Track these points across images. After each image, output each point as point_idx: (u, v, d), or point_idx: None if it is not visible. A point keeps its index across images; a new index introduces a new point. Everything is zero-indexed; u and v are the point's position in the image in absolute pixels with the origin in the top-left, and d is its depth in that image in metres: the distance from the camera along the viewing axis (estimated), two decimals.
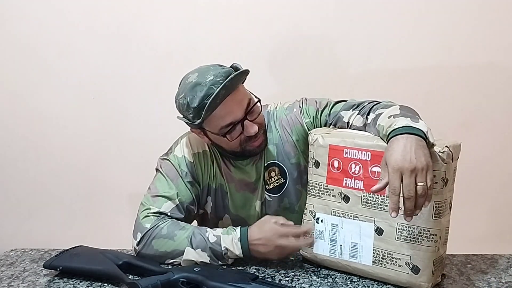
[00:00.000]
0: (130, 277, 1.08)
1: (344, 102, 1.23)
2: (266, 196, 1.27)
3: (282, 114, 1.28)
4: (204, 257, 1.12)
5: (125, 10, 1.85)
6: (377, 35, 1.84)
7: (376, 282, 1.07)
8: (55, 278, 1.12)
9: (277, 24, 1.84)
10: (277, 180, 1.26)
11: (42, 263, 1.15)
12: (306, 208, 1.16)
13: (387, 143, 0.99)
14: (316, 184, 1.13)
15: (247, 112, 1.16)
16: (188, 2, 1.84)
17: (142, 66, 1.89)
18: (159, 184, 1.22)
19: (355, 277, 1.10)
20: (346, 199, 1.08)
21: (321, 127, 1.23)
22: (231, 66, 1.17)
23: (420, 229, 1.01)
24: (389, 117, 1.05)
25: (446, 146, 0.98)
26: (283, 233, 1.12)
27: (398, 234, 1.03)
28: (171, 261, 1.15)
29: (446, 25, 1.82)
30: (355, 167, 1.07)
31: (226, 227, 1.17)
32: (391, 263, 1.04)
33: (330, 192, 1.10)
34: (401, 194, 0.92)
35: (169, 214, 1.19)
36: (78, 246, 1.21)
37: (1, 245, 1.46)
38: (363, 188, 1.06)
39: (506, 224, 1.99)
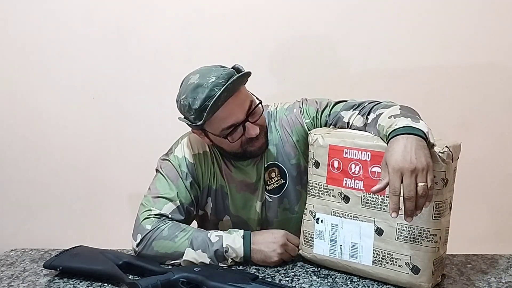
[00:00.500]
0: (130, 277, 1.08)
1: (344, 102, 1.23)
2: (267, 196, 1.27)
3: (282, 115, 1.28)
4: (204, 258, 1.12)
5: (125, 10, 1.85)
6: (377, 35, 1.84)
7: (376, 283, 1.07)
8: (55, 278, 1.12)
9: (277, 24, 1.84)
10: (277, 180, 1.26)
11: (42, 263, 1.15)
12: (306, 208, 1.16)
13: (387, 143, 0.99)
14: (316, 184, 1.13)
15: (249, 114, 1.15)
16: (188, 2, 1.84)
17: (142, 66, 1.89)
18: (159, 185, 1.22)
19: (355, 277, 1.10)
20: (346, 199, 1.08)
21: (321, 127, 1.22)
22: (232, 67, 1.16)
23: (420, 230, 1.00)
24: (389, 117, 1.05)
25: (446, 146, 0.98)
26: (288, 239, 1.16)
27: (398, 235, 1.03)
28: (171, 262, 1.15)
29: (446, 25, 1.82)
30: (355, 167, 1.07)
31: (227, 229, 1.18)
32: (391, 263, 1.04)
33: (330, 192, 1.10)
34: (402, 195, 0.92)
35: (169, 216, 1.19)
36: (78, 246, 1.21)
37: (1, 245, 1.46)
38: (363, 188, 1.05)
39: (506, 224, 1.98)
